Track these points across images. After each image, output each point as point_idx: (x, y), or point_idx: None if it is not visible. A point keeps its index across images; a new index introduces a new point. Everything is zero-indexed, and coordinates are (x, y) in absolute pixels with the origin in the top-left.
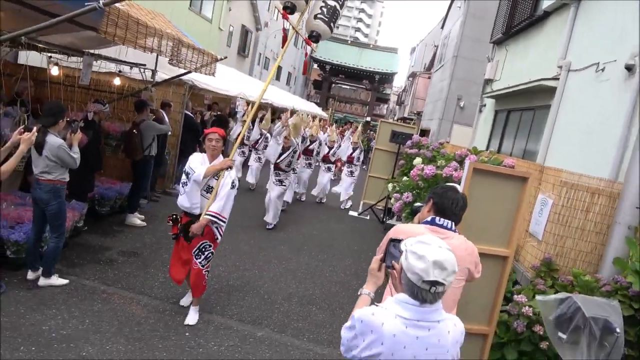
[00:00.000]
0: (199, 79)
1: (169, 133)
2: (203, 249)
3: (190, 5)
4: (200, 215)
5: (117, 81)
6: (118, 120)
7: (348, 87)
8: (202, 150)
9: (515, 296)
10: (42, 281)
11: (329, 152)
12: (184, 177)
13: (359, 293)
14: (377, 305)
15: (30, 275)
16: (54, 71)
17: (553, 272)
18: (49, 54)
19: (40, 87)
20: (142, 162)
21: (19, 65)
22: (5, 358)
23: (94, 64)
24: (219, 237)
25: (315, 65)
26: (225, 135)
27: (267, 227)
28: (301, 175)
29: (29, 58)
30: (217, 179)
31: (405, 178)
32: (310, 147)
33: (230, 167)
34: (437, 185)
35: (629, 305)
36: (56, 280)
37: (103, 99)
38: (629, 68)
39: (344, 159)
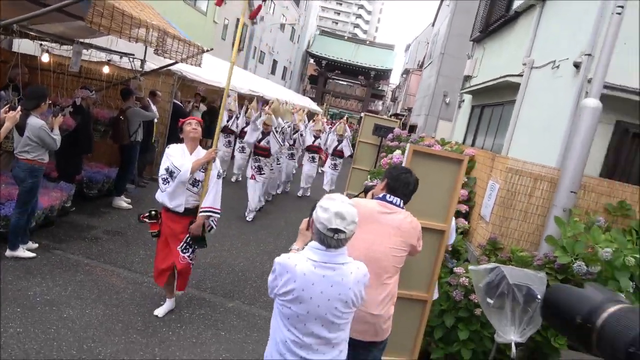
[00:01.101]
0: (188, 70)
1: (156, 121)
2: (192, 244)
3: None
4: (184, 212)
5: (106, 69)
6: (107, 107)
7: (344, 82)
8: (180, 140)
9: (455, 269)
10: (9, 252)
11: (314, 142)
12: (163, 172)
13: (289, 249)
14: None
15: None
16: (45, 58)
17: (497, 250)
18: (41, 42)
19: (33, 74)
20: (129, 147)
21: (13, 53)
22: None
23: (85, 52)
24: (214, 228)
25: (312, 60)
26: (201, 122)
27: (246, 218)
28: (285, 167)
29: (22, 46)
30: (203, 172)
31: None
32: (294, 136)
33: (214, 159)
34: (393, 167)
35: (554, 277)
36: (22, 252)
37: (92, 86)
38: (577, 65)
39: (330, 151)
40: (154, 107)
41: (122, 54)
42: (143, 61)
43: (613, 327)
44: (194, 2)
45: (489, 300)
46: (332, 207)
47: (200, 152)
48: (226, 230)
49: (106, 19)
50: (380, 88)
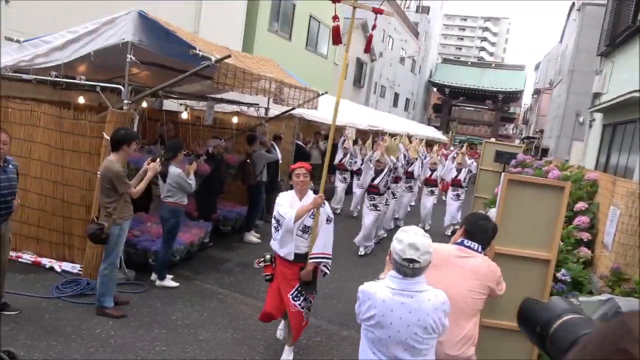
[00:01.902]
0: (308, 112)
1: (280, 161)
2: (302, 291)
3: (306, 46)
4: (296, 258)
5: (235, 119)
6: (237, 152)
7: (470, 108)
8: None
9: (580, 298)
10: (158, 282)
11: (431, 175)
12: (273, 220)
13: (377, 278)
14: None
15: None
16: (184, 115)
17: (622, 281)
18: (180, 102)
19: (176, 128)
20: (255, 187)
21: (161, 111)
22: (145, 337)
23: (218, 105)
24: (327, 273)
25: (435, 89)
26: (310, 169)
27: (358, 253)
28: (401, 199)
29: (167, 105)
30: (312, 218)
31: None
32: (410, 168)
33: (322, 204)
34: (471, 214)
35: None
36: (169, 282)
37: (222, 135)
38: None
39: (447, 179)
40: (277, 150)
41: (249, 105)
42: (267, 109)
43: (560, 333)
44: (315, 48)
45: None
46: (406, 239)
47: (310, 198)
48: (345, 261)
49: (230, 78)
50: (510, 111)
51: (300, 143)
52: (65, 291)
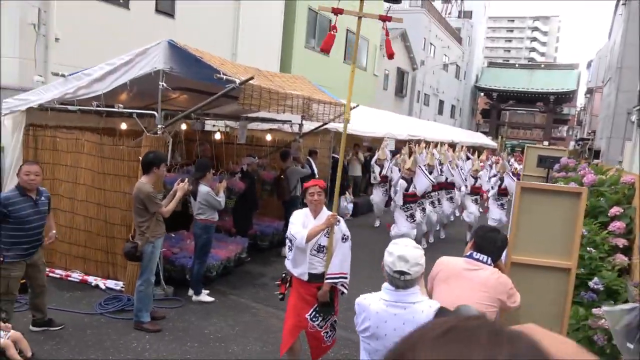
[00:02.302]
0: (338, 125)
1: (316, 175)
2: (320, 312)
3: (344, 59)
4: (312, 278)
5: (268, 137)
6: (272, 169)
7: (521, 112)
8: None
9: (594, 310)
10: (194, 298)
11: (474, 183)
12: (287, 240)
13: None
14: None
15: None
16: (217, 136)
17: None
18: (214, 123)
19: (213, 148)
20: (290, 202)
21: (202, 132)
22: (177, 350)
23: (255, 124)
24: (345, 292)
25: (482, 94)
26: (324, 187)
27: None
28: (443, 210)
29: (208, 126)
30: (327, 237)
31: None
32: (450, 179)
33: (337, 223)
34: (480, 226)
35: None
36: (205, 297)
37: (258, 152)
38: None
39: (485, 188)
40: (313, 165)
41: (282, 122)
42: (300, 125)
43: None
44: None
45: (629, 345)
46: (396, 251)
47: (324, 217)
48: (375, 272)
49: (255, 98)
50: (563, 112)
51: (337, 156)
52: (107, 307)
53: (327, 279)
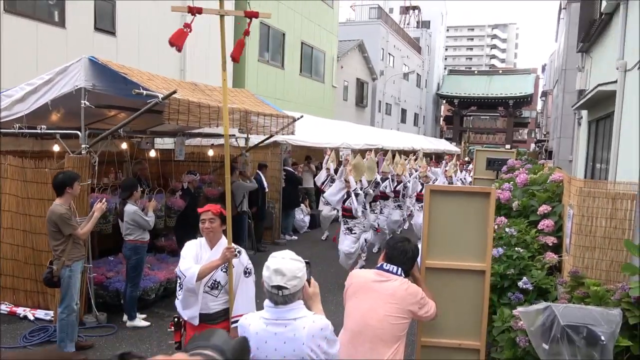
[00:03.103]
0: (296, 138)
1: (266, 189)
2: None
3: (300, 71)
4: (207, 318)
5: (210, 152)
6: (218, 184)
7: (484, 117)
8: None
9: (514, 311)
10: (128, 323)
11: (421, 190)
12: (178, 278)
13: None
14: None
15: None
16: (152, 153)
17: (581, 286)
18: (147, 140)
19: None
20: (237, 218)
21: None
22: None
23: (197, 139)
24: None
25: (444, 101)
26: (219, 212)
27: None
28: (391, 217)
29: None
30: (224, 271)
31: None
32: (397, 188)
33: (236, 255)
34: (391, 237)
35: (633, 314)
36: (139, 322)
37: (200, 169)
38: None
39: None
40: (263, 179)
41: (221, 136)
42: (247, 139)
43: None
44: (310, 73)
45: (544, 345)
46: (272, 265)
47: (222, 246)
48: (331, 296)
49: (183, 114)
50: (523, 115)
51: (289, 169)
52: (32, 339)
53: (234, 322)
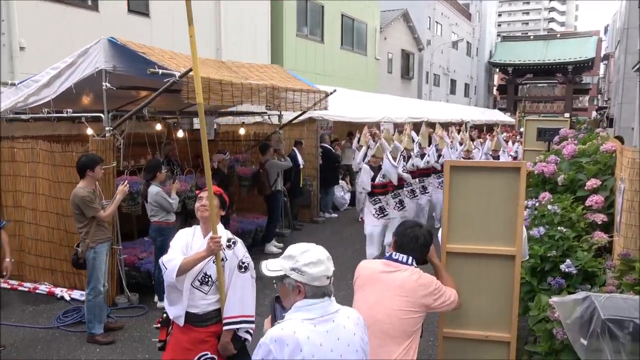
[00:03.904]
0: (332, 113)
1: (302, 166)
2: None
3: (341, 45)
4: (191, 321)
5: (241, 131)
6: (252, 163)
7: (540, 84)
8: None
9: (550, 299)
10: (159, 304)
11: None
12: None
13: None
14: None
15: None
16: (179, 134)
17: (631, 270)
18: (174, 119)
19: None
20: (271, 196)
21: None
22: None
23: (228, 118)
24: (249, 339)
25: (497, 70)
26: (220, 193)
27: None
28: (437, 196)
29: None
30: (215, 263)
31: None
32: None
33: (231, 246)
34: (401, 223)
35: None
36: None
37: (235, 148)
38: None
39: None
40: (299, 156)
41: (255, 114)
42: (280, 116)
43: None
44: (352, 46)
45: (582, 340)
46: (320, 255)
47: (220, 232)
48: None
49: (203, 92)
50: (583, 82)
51: (326, 146)
52: (65, 320)
53: (226, 324)
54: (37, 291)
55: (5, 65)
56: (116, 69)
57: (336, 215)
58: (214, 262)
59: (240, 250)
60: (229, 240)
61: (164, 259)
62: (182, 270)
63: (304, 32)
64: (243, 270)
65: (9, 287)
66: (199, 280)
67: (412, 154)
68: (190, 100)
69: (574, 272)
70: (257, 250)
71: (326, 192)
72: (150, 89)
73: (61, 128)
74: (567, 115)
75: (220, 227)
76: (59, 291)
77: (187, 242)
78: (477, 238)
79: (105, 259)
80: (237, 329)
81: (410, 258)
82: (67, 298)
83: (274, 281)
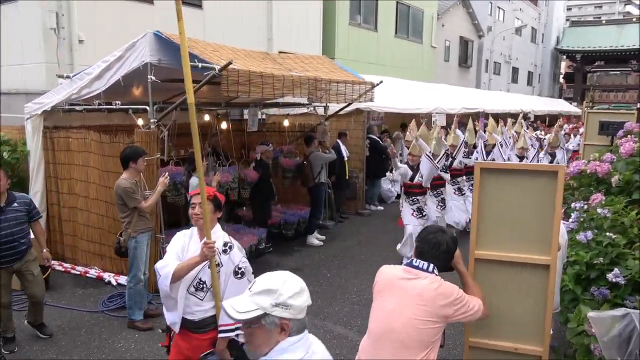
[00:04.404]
0: (380, 104)
1: (346, 158)
2: None
3: (395, 33)
4: (187, 327)
5: (285, 122)
6: (296, 155)
7: (611, 73)
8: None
9: (588, 314)
10: None
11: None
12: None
13: None
14: None
15: None
16: (223, 125)
17: None
18: (217, 111)
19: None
20: (314, 188)
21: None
22: (162, 349)
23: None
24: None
25: (565, 57)
26: (213, 195)
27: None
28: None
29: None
30: (210, 268)
31: None
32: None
33: (226, 250)
34: (424, 228)
35: None
36: None
37: (280, 139)
38: None
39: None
40: (343, 147)
41: (301, 105)
42: (326, 107)
43: None
44: (407, 34)
45: None
46: (299, 282)
47: (218, 236)
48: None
49: (242, 84)
50: None
51: (374, 137)
52: (109, 305)
53: (221, 332)
54: (87, 275)
55: (66, 57)
56: (161, 62)
57: (382, 208)
58: (209, 267)
59: (237, 255)
60: (225, 244)
61: (157, 265)
62: (176, 277)
63: (357, 21)
64: (239, 276)
65: (63, 270)
66: (194, 287)
67: (456, 151)
68: (231, 93)
69: (622, 282)
70: (299, 243)
71: (372, 184)
72: (195, 81)
73: (115, 119)
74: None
75: (217, 229)
76: (106, 276)
77: (183, 245)
78: (509, 245)
79: (147, 249)
80: (234, 336)
81: (432, 265)
82: (114, 283)
83: (245, 325)
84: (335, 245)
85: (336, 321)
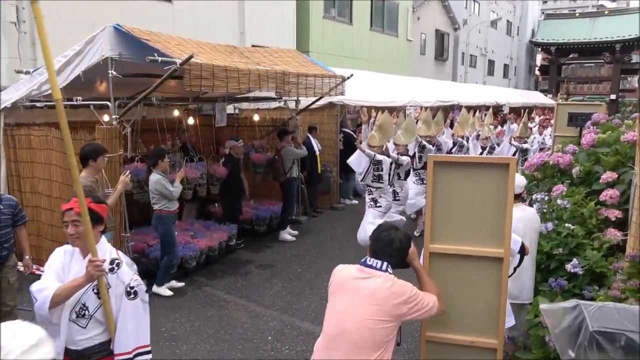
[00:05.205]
0: (353, 97)
1: (318, 152)
2: None
3: (370, 26)
4: (77, 357)
5: (255, 117)
6: (267, 150)
7: (585, 65)
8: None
9: (540, 306)
10: (154, 288)
11: (481, 154)
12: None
13: None
14: None
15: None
16: (190, 121)
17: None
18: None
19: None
20: (286, 183)
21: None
22: None
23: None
24: None
25: (540, 49)
26: (88, 207)
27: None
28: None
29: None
30: (97, 293)
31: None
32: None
33: (112, 269)
34: (379, 225)
35: None
36: (164, 291)
37: (252, 134)
38: None
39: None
40: (314, 142)
41: (271, 99)
42: (297, 101)
43: None
44: (382, 28)
45: (570, 352)
46: (37, 334)
47: (102, 251)
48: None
49: (206, 79)
50: (632, 61)
51: (347, 131)
52: None
53: (120, 358)
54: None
55: (28, 52)
56: (122, 56)
57: (357, 202)
58: (93, 289)
59: (127, 274)
60: (112, 262)
61: (33, 288)
62: (56, 302)
63: (332, 14)
64: (132, 296)
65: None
66: (75, 313)
67: (424, 142)
68: (194, 88)
69: (580, 272)
70: (270, 238)
71: (347, 179)
72: (159, 76)
73: (82, 115)
74: (613, 96)
75: (102, 244)
76: None
77: (62, 265)
78: (463, 238)
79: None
80: None
81: (385, 264)
82: None
83: None
84: (307, 241)
85: (304, 317)
